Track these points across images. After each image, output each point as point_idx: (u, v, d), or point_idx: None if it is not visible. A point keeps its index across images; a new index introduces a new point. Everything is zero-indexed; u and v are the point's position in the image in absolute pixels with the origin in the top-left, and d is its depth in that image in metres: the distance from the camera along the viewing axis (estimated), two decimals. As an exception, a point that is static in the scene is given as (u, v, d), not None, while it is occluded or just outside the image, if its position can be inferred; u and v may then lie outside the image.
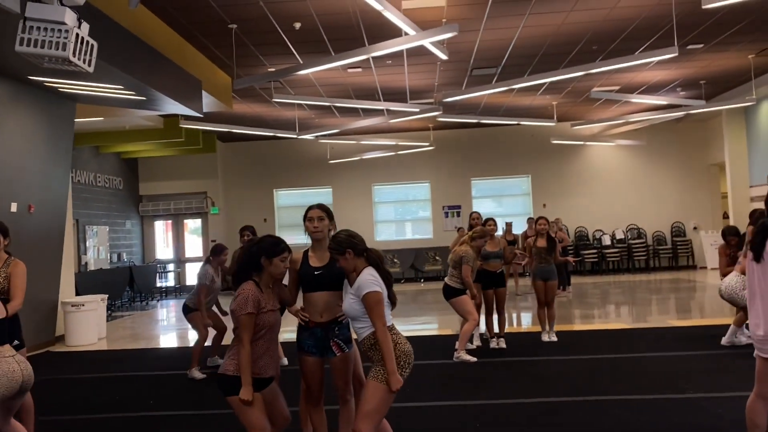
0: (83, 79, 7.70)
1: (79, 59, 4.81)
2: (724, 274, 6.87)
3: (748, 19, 9.12)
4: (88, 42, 4.89)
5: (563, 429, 4.45)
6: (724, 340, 6.77)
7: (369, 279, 3.25)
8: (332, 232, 3.70)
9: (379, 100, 13.21)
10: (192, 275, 17.84)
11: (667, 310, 10.89)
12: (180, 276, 17.72)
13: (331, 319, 3.59)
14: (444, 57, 8.52)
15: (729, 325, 6.95)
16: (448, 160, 17.39)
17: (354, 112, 14.47)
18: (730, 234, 7.10)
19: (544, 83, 11.86)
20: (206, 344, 6.84)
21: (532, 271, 7.61)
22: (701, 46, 10.37)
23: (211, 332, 6.96)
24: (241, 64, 10.42)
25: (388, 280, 3.34)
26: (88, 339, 9.19)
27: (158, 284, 16.64)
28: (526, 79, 10.12)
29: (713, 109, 13.51)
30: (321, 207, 3.75)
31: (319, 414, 3.68)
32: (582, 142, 16.61)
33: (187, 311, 6.81)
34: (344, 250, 3.32)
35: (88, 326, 9.22)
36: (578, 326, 8.94)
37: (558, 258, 7.71)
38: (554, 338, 7.48)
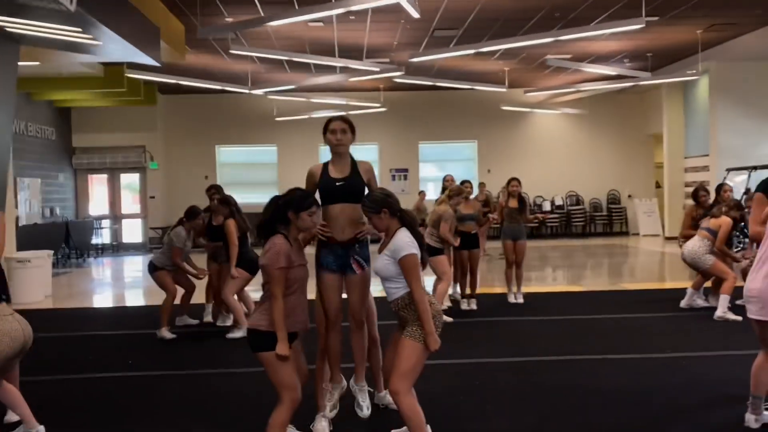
0: (36, 19, 7.10)
1: (63, -3, 4.47)
2: (684, 237, 7.24)
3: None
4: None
5: (549, 387, 4.62)
6: (683, 303, 7.17)
7: (407, 241, 3.24)
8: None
9: (335, 56, 12.94)
10: (129, 232, 17.17)
11: (615, 273, 11.52)
12: (117, 233, 17.01)
13: (352, 237, 3.60)
14: (416, 15, 8.41)
15: (684, 289, 7.36)
16: (398, 122, 17.38)
17: (306, 68, 14.11)
18: (703, 190, 7.39)
19: (500, 49, 11.95)
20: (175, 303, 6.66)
21: (502, 231, 7.79)
22: (656, 18, 10.71)
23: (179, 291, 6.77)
24: (199, 13, 9.91)
25: (421, 242, 3.34)
26: (34, 297, 8.73)
27: (93, 241, 15.93)
28: (491, 43, 10.21)
29: (658, 81, 14.07)
30: (344, 119, 3.70)
31: (336, 337, 3.70)
32: (530, 109, 16.98)
33: (153, 269, 6.58)
34: (380, 210, 3.29)
35: (33, 284, 8.77)
36: (537, 288, 9.25)
37: (528, 218, 7.92)
38: (521, 300, 7.74)
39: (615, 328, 6.48)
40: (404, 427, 3.64)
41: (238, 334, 6.33)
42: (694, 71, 13.61)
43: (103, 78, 13.16)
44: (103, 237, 16.56)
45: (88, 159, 16.57)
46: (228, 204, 6.62)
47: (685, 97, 15.69)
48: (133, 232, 17.14)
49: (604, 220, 17.94)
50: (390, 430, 3.63)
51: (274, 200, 3.41)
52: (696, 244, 6.81)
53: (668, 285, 9.34)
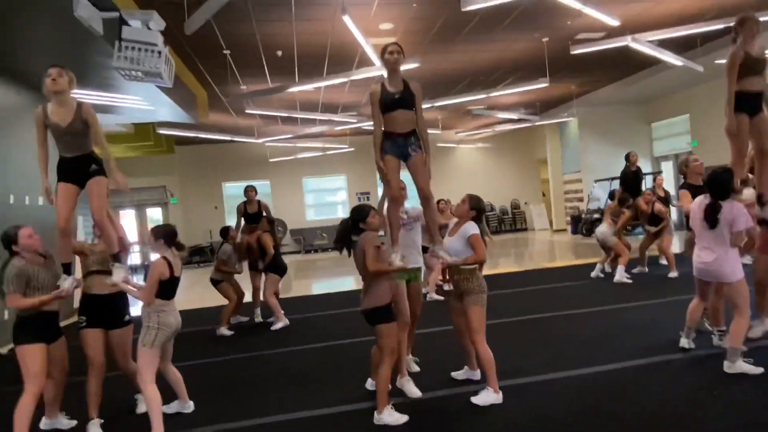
0: (111, 92, 6.89)
1: (165, 75, 4.45)
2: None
3: (580, 64, 10.25)
4: (169, 60, 4.53)
5: (537, 337, 4.85)
6: (593, 274, 7.51)
7: (474, 225, 3.48)
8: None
9: (318, 111, 13.00)
10: (155, 256, 16.39)
11: (530, 257, 12.00)
12: (146, 257, 16.25)
13: (410, 130, 3.46)
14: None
15: (590, 264, 7.76)
16: (361, 158, 17.51)
17: (294, 121, 14.07)
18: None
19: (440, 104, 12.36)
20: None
21: None
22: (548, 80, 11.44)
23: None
24: (220, 82, 9.82)
25: (483, 231, 3.55)
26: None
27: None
28: (439, 99, 10.59)
29: (545, 123, 14.93)
30: (396, 43, 3.48)
31: (396, 212, 3.58)
32: (455, 145, 17.58)
33: (215, 283, 6.42)
34: (473, 209, 3.53)
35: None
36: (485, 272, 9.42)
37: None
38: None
39: (559, 294, 6.70)
40: (463, 369, 3.84)
41: (279, 325, 6.23)
42: (566, 114, 14.60)
43: (133, 134, 12.70)
44: (134, 261, 15.82)
45: (119, 199, 15.79)
46: (272, 224, 6.61)
47: (561, 131, 16.67)
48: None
49: (511, 221, 18.75)
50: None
51: (344, 222, 3.43)
52: (607, 229, 7.25)
53: (572, 263, 9.81)
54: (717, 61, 9.29)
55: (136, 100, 7.33)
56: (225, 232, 6.58)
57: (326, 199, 18.50)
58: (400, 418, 3.20)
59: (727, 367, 3.57)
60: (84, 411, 3.52)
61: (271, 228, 6.53)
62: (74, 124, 3.35)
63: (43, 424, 3.55)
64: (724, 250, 3.58)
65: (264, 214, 6.69)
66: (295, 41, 7.81)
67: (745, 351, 3.58)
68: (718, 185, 3.58)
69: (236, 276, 6.54)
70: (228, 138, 13.11)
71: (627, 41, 7.20)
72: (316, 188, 18.24)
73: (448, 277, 7.55)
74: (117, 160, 15.07)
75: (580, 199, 15.66)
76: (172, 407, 3.69)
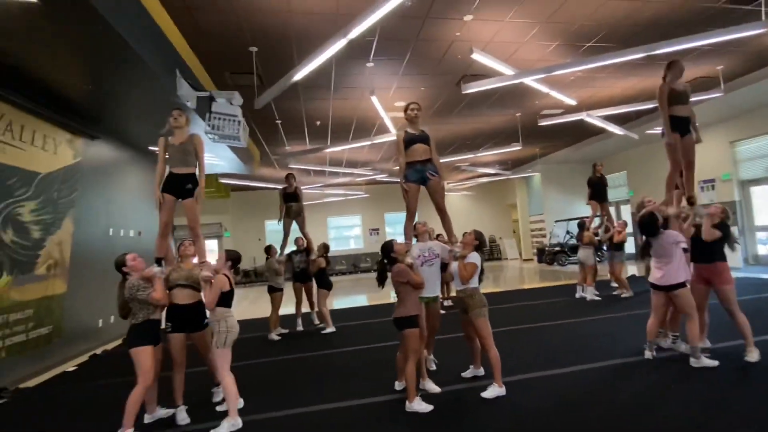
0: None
1: (242, 138, 4.63)
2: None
3: (544, 133, 10.51)
4: (246, 126, 4.72)
5: (527, 342, 4.77)
6: (577, 295, 7.23)
7: (478, 257, 3.50)
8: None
9: (342, 166, 13.21)
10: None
11: (506, 280, 11.86)
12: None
13: (426, 158, 3.63)
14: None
15: (554, 286, 7.60)
16: (373, 202, 17.71)
17: (323, 173, 14.26)
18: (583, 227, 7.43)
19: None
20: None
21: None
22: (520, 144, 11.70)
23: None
24: (271, 143, 10.07)
25: (481, 261, 3.57)
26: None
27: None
28: (442, 156, 10.74)
29: (515, 176, 15.12)
30: (417, 103, 3.72)
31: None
32: (446, 193, 17.71)
33: (272, 291, 6.25)
34: (476, 240, 3.55)
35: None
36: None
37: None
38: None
39: (532, 310, 6.55)
40: (469, 368, 3.77)
41: (328, 330, 6.13)
42: (532, 170, 14.82)
43: (200, 183, 12.85)
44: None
45: (184, 233, 15.85)
46: (326, 249, 6.54)
47: (527, 183, 16.85)
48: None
49: (489, 252, 18.67)
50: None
51: (380, 262, 3.48)
52: (587, 252, 7.17)
53: (539, 285, 9.51)
54: (648, 131, 9.56)
55: (208, 156, 7.53)
56: (267, 249, 6.43)
57: (344, 233, 18.52)
58: (427, 407, 3.14)
59: (694, 362, 3.60)
60: (172, 400, 3.47)
61: (325, 254, 6.52)
62: (186, 144, 3.63)
63: (147, 418, 3.45)
64: (671, 265, 3.70)
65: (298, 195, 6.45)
66: (330, 114, 8.09)
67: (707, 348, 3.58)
68: (646, 227, 3.70)
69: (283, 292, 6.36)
70: (272, 186, 13.29)
71: (582, 116, 7.44)
72: (337, 225, 18.29)
73: (448, 295, 7.53)
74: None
75: (543, 236, 15.65)
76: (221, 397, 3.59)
